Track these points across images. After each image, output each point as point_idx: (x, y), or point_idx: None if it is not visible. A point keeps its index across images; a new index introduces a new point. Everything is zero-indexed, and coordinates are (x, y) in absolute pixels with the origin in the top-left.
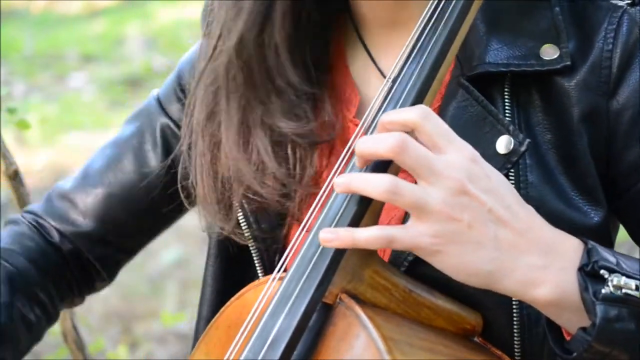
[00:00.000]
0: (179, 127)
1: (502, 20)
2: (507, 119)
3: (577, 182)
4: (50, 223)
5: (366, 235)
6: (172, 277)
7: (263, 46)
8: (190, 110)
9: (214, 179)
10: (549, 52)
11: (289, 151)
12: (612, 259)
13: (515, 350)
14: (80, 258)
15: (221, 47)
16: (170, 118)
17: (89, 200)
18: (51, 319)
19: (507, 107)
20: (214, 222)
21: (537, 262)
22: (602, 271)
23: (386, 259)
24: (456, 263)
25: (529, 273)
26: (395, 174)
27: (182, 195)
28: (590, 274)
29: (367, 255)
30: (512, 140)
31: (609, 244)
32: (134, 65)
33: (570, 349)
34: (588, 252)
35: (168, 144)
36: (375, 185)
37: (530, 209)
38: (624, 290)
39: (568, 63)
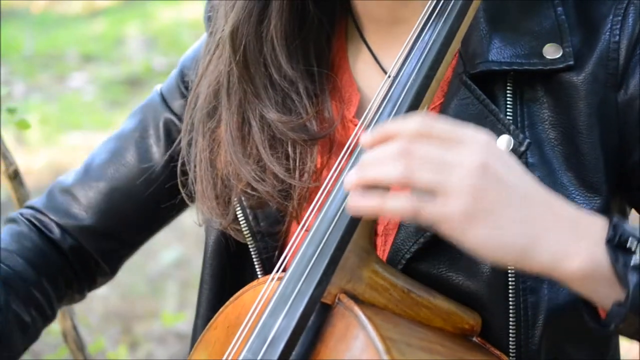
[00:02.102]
0: (182, 122)
1: (505, 20)
2: (509, 118)
3: (581, 179)
4: (51, 218)
5: (395, 204)
6: (172, 277)
7: (260, 38)
8: (192, 106)
9: (213, 175)
10: (552, 51)
11: (289, 148)
12: (637, 232)
13: (510, 348)
14: (81, 253)
15: (222, 41)
16: (174, 113)
17: (91, 194)
18: (48, 318)
19: (508, 106)
20: (211, 218)
21: (566, 235)
22: (629, 241)
23: (385, 255)
24: (486, 239)
25: (560, 246)
26: None
27: (182, 191)
28: (618, 245)
29: (366, 255)
30: (512, 140)
31: None
32: (134, 65)
33: (606, 323)
34: (614, 226)
35: (171, 139)
36: (389, 171)
37: (548, 189)
38: None
39: (571, 62)
